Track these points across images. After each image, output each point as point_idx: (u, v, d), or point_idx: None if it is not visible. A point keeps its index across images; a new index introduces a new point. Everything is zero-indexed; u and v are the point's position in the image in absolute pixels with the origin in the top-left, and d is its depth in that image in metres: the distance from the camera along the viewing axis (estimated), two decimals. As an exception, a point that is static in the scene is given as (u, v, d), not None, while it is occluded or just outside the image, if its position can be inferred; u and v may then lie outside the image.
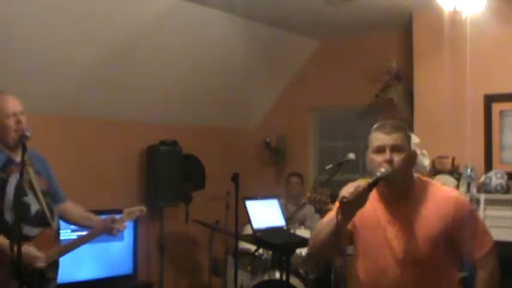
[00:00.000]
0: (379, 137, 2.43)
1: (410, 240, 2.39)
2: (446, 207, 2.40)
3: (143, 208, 3.39)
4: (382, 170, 2.34)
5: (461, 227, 2.40)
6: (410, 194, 2.44)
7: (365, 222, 2.48)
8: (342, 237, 2.41)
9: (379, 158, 2.39)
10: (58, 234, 3.25)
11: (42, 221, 3.09)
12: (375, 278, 2.47)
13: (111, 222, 3.27)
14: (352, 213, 2.31)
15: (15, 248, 2.71)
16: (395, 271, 2.41)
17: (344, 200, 2.23)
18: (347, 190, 2.34)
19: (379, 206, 2.47)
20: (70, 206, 3.41)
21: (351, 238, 2.55)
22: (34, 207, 3.08)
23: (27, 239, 2.97)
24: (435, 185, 2.52)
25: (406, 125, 2.60)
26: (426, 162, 4.86)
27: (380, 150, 2.40)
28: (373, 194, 2.39)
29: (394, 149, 2.38)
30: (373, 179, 2.30)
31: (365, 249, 2.51)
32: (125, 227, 3.36)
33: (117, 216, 3.31)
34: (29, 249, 2.92)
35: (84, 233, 3.43)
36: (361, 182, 2.31)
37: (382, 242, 2.43)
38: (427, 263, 2.39)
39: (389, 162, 2.36)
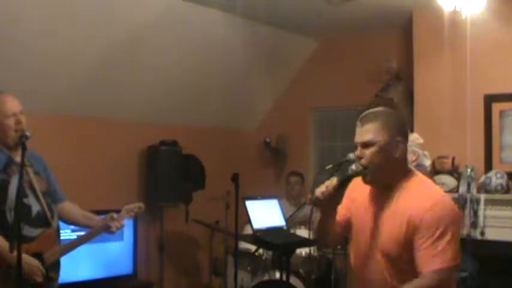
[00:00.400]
0: (356, 131, 2.43)
1: (380, 233, 2.39)
2: (420, 206, 2.28)
3: (141, 205, 3.39)
4: (353, 167, 2.39)
5: (420, 229, 2.26)
6: (393, 187, 2.40)
7: (358, 210, 2.53)
8: (329, 229, 2.58)
9: (356, 152, 2.42)
10: (58, 234, 3.26)
11: (43, 221, 3.10)
12: (359, 265, 2.52)
13: (110, 220, 3.28)
14: (330, 210, 2.47)
15: (15, 251, 2.71)
16: (371, 260, 2.43)
17: (316, 200, 2.37)
18: (319, 190, 2.40)
19: (369, 195, 2.50)
20: (69, 206, 3.42)
21: (348, 225, 2.62)
22: (35, 208, 3.09)
23: (29, 239, 2.99)
24: (423, 183, 2.41)
25: (391, 109, 2.54)
26: (427, 162, 4.86)
27: (355, 146, 2.42)
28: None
29: (364, 145, 2.36)
30: (343, 177, 2.40)
31: (355, 235, 2.56)
32: (124, 225, 3.36)
33: (116, 215, 3.31)
34: (29, 258, 2.93)
35: (83, 232, 3.45)
36: (333, 181, 2.39)
37: (365, 230, 2.46)
38: (395, 259, 2.33)
39: (360, 158, 2.38)
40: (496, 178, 4.78)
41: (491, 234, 4.70)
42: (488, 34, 4.94)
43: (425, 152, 4.88)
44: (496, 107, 5.02)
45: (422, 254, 2.24)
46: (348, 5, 5.14)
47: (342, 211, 2.58)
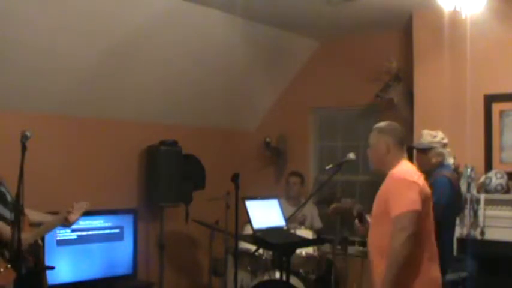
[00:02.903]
0: None
1: None
2: None
3: (88, 203, 3.78)
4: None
5: None
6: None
7: None
8: None
9: None
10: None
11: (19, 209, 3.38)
12: None
13: (67, 213, 3.67)
14: None
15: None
16: None
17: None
18: None
19: None
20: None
21: None
22: (9, 196, 3.47)
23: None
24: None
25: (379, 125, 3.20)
26: (451, 161, 4.83)
27: None
28: None
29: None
30: None
31: None
32: (76, 220, 3.74)
33: (70, 209, 3.70)
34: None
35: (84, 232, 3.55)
36: None
37: None
38: None
39: None
40: (496, 178, 4.78)
41: (491, 234, 4.70)
42: (488, 34, 4.94)
43: (448, 149, 4.85)
44: (496, 107, 5.02)
45: None
46: (348, 5, 5.14)
47: None
